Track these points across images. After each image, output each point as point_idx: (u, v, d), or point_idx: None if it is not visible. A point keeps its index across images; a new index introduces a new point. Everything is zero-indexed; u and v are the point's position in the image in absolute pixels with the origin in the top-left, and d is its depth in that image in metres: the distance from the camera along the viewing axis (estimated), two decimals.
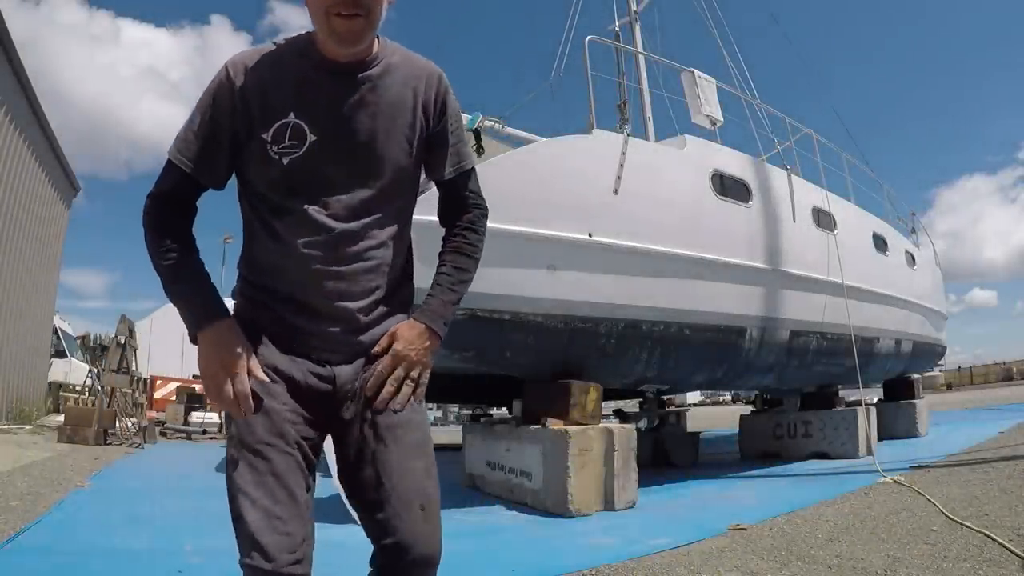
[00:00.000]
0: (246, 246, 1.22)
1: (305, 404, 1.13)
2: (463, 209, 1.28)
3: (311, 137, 1.10)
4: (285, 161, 1.10)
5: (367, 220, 1.15)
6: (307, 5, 1.08)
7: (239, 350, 1.08)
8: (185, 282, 1.13)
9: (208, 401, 1.09)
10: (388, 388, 1.14)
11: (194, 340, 1.12)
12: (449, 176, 1.25)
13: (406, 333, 1.17)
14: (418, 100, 1.18)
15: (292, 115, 1.10)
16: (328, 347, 1.15)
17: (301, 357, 1.15)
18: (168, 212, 1.13)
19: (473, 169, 1.29)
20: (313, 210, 1.12)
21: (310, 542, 1.06)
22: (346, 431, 1.17)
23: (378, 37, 1.15)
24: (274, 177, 1.12)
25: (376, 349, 1.17)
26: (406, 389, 1.15)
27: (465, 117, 4.94)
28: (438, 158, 1.24)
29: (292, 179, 1.11)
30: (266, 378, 1.09)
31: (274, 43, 1.16)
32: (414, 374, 1.16)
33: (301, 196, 1.12)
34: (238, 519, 1.02)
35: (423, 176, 1.27)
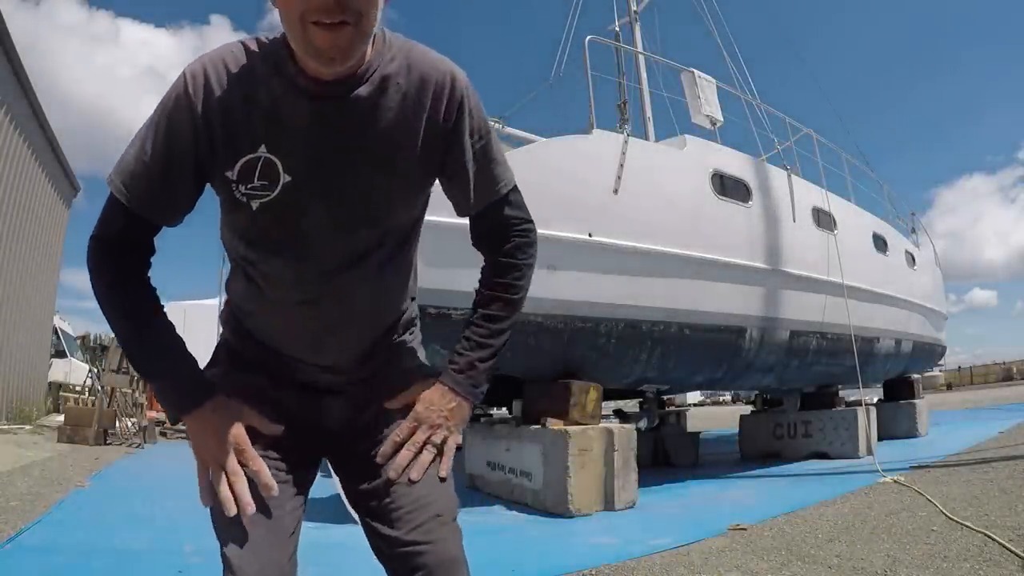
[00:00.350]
0: (230, 275, 1.05)
1: (297, 430, 1.01)
2: (501, 238, 1.03)
3: (285, 178, 0.89)
4: (254, 206, 0.89)
5: (359, 271, 0.97)
6: (277, 8, 0.83)
7: (231, 437, 0.91)
8: (157, 356, 0.93)
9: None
10: (404, 453, 0.97)
11: (175, 421, 0.98)
12: (479, 211, 1.02)
13: (428, 394, 1.00)
14: (426, 118, 0.93)
15: (263, 149, 0.88)
16: (321, 384, 1.04)
17: (292, 387, 1.03)
18: (120, 258, 0.92)
19: (511, 191, 1.03)
20: (290, 265, 0.94)
21: (294, 561, 0.95)
22: (346, 453, 1.06)
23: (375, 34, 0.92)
24: (242, 224, 0.93)
25: (392, 404, 1.02)
26: (426, 455, 0.97)
27: None
28: (461, 190, 0.99)
29: (264, 228, 0.92)
30: (264, 468, 0.92)
31: (244, 44, 0.91)
32: (436, 439, 0.98)
33: (275, 247, 0.93)
34: (222, 546, 0.91)
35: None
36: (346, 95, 0.88)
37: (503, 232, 1.03)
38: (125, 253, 0.92)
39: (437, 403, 0.99)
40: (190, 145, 0.88)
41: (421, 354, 1.15)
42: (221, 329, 1.10)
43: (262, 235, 0.93)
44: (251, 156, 0.88)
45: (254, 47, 0.91)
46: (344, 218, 0.92)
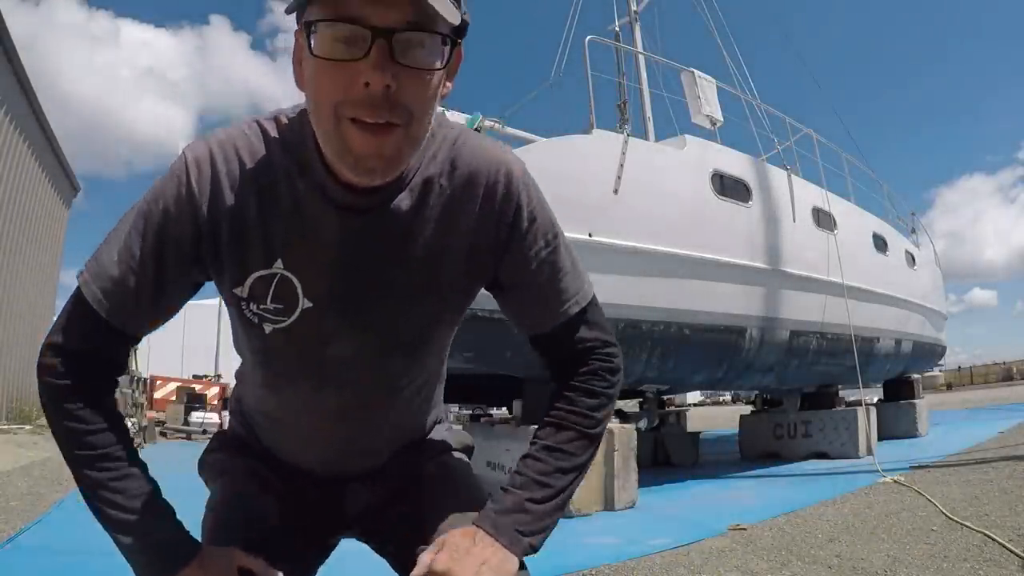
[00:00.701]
0: (241, 367, 0.93)
1: (316, 518, 0.90)
2: (576, 363, 0.83)
3: (305, 303, 0.74)
4: (268, 329, 0.76)
5: (391, 396, 0.85)
6: (304, 91, 0.68)
7: None
8: (134, 512, 0.73)
9: None
10: None
11: None
12: (546, 331, 0.83)
13: (457, 538, 0.74)
14: (475, 226, 0.77)
15: (279, 264, 0.73)
16: (344, 477, 0.93)
17: (310, 478, 0.92)
18: (87, 381, 0.73)
19: (588, 306, 0.83)
20: (310, 392, 0.82)
21: None
22: (375, 523, 0.93)
23: None
24: (254, 344, 0.80)
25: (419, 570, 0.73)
26: None
27: (465, 118, 4.94)
28: (523, 308, 0.83)
29: (278, 352, 0.79)
30: None
31: (261, 127, 0.74)
32: None
33: (292, 374, 0.81)
34: None
35: None
36: (382, 206, 0.72)
37: (578, 357, 0.82)
38: (94, 373, 0.74)
39: (469, 552, 0.71)
40: (189, 251, 0.72)
41: (449, 437, 1.02)
42: (228, 417, 0.98)
43: (276, 359, 0.80)
44: (264, 273, 0.73)
45: (273, 132, 0.74)
46: (376, 347, 0.79)
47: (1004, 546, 2.53)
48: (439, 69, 0.65)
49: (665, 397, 9.14)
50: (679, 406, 12.15)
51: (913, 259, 8.52)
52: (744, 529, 3.26)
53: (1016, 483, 3.86)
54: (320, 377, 0.80)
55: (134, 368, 11.40)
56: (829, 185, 6.85)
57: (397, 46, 0.61)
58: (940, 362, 11.58)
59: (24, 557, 2.91)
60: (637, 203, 4.78)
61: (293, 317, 0.75)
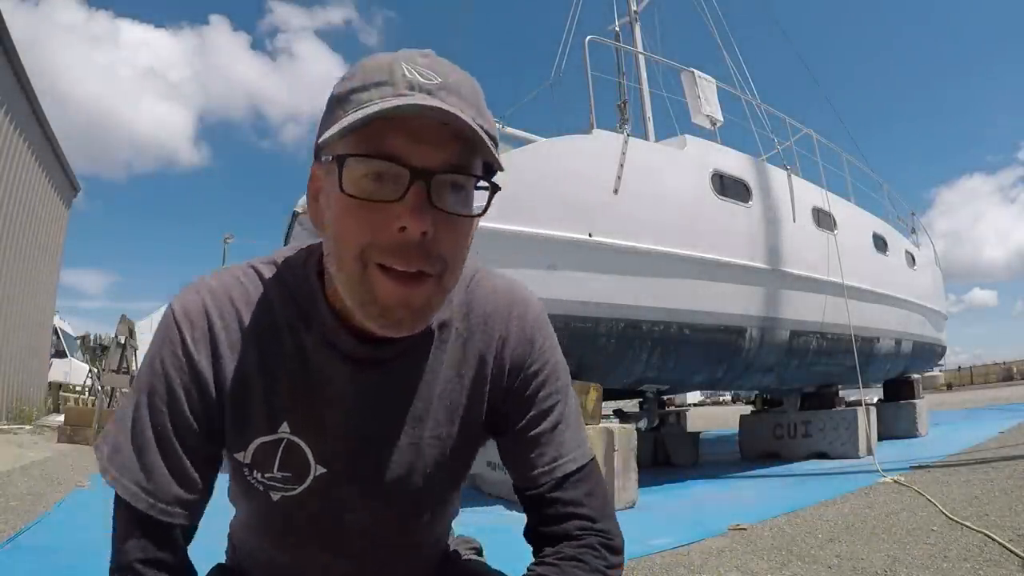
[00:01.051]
0: (235, 519, 0.83)
1: None
2: (567, 534, 0.71)
3: (317, 469, 0.67)
4: (275, 497, 0.69)
5: (408, 543, 0.79)
6: (322, 232, 0.62)
7: None
8: None
9: None
10: None
11: None
12: (538, 491, 0.73)
13: None
14: (491, 370, 0.73)
15: (285, 428, 0.66)
16: None
17: None
18: None
19: (584, 468, 0.74)
20: (318, 552, 0.73)
21: None
22: None
23: None
24: (259, 508, 0.72)
25: None
26: None
27: None
28: (520, 457, 0.74)
29: (286, 519, 0.71)
30: None
31: (256, 271, 0.68)
32: None
33: (302, 540, 0.73)
34: None
35: None
36: (398, 357, 0.67)
37: (569, 530, 0.71)
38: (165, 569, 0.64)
39: None
40: (199, 413, 0.65)
41: (461, 545, 0.99)
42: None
43: (285, 526, 0.72)
44: (269, 439, 0.66)
45: (271, 278, 0.67)
46: (398, 512, 0.73)
47: (1004, 546, 2.53)
48: (478, 215, 0.60)
49: (665, 397, 9.14)
50: (679, 406, 12.16)
51: (913, 259, 8.52)
52: (744, 529, 3.26)
53: (1016, 483, 3.85)
54: (337, 545, 0.73)
55: (134, 368, 11.41)
56: (829, 185, 6.86)
57: (436, 189, 0.56)
58: (940, 362, 11.58)
59: (24, 557, 2.90)
60: (637, 203, 4.78)
61: (304, 485, 0.68)
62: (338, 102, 0.58)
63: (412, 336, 0.64)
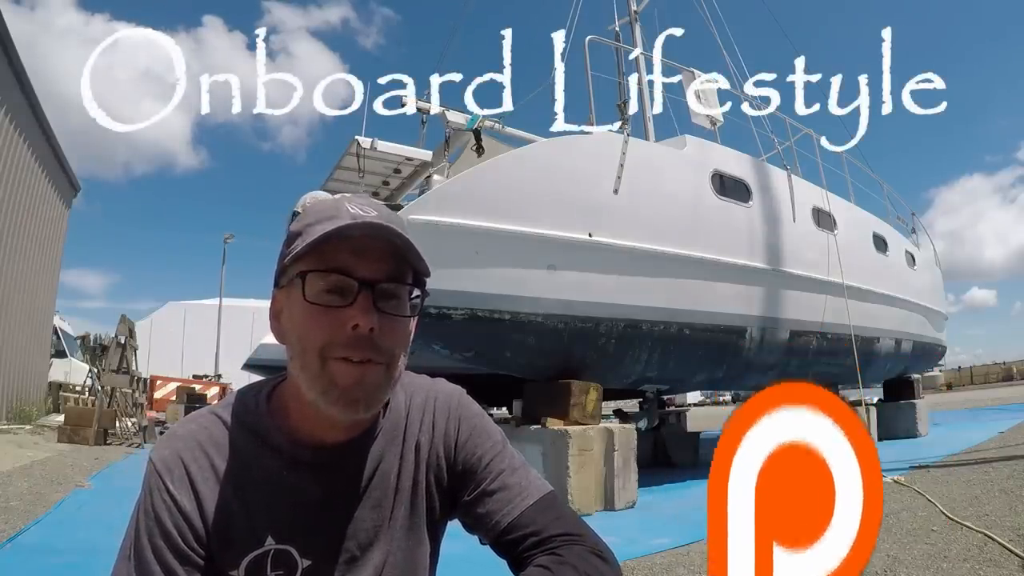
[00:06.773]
0: None
1: None
2: (547, 553, 0.77)
3: (304, 562, 0.77)
4: None
5: None
6: (284, 341, 0.75)
7: None
8: None
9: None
10: None
11: None
12: (509, 534, 0.80)
13: None
14: (428, 462, 0.84)
15: (270, 540, 0.76)
16: None
17: None
18: None
19: (545, 496, 0.82)
20: None
21: None
22: None
23: None
24: None
25: None
26: None
27: (465, 118, 4.94)
28: (484, 519, 0.82)
29: None
30: None
31: (217, 417, 0.80)
32: None
33: None
34: None
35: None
36: (351, 455, 0.79)
37: (547, 547, 0.78)
38: None
39: None
40: (192, 543, 0.74)
41: None
42: None
43: None
44: (257, 553, 0.75)
45: (227, 418, 0.79)
46: (365, 571, 0.81)
47: (1004, 546, 2.54)
48: (411, 316, 0.75)
49: (665, 397, 9.15)
50: (679, 406, 12.17)
51: (913, 259, 8.52)
52: None
53: (1016, 483, 3.85)
54: None
55: (134, 368, 11.41)
56: (829, 185, 6.86)
57: (379, 296, 0.71)
58: (940, 362, 11.60)
59: (24, 557, 2.91)
60: (637, 203, 4.79)
61: None
62: (297, 235, 0.72)
63: (360, 436, 0.79)
